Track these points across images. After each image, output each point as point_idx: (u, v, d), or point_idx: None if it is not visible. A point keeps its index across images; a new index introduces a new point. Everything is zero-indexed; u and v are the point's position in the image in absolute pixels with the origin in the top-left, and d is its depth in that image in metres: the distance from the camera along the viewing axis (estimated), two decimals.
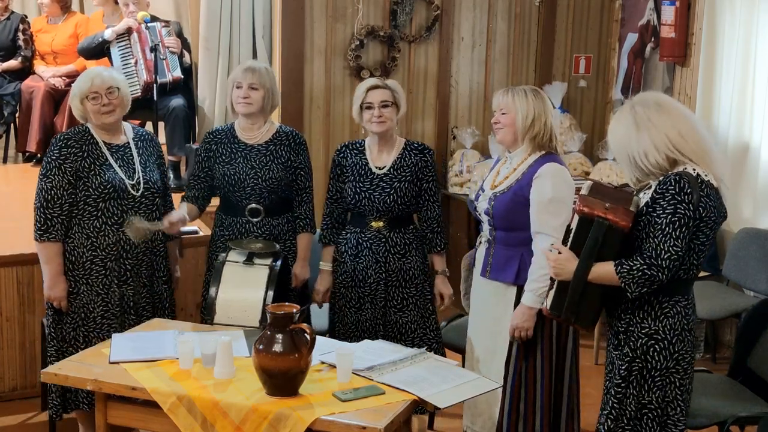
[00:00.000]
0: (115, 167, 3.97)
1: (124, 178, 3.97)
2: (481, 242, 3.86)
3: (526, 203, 3.66)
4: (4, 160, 7.07)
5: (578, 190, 3.31)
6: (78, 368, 3.39)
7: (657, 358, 3.15)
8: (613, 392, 3.21)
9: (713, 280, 5.43)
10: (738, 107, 5.48)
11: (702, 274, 5.46)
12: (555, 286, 3.25)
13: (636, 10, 6.36)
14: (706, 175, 3.08)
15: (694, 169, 3.08)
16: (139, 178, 4.01)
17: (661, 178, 3.10)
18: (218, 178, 4.19)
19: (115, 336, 3.65)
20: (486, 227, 3.81)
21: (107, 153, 3.98)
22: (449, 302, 4.22)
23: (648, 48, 6.23)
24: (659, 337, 3.14)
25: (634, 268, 3.05)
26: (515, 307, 3.70)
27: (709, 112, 5.67)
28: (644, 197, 3.16)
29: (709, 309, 4.99)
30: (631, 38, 6.40)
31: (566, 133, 6.34)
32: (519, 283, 3.70)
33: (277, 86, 4.27)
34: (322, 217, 4.30)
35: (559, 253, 3.20)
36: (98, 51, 6.31)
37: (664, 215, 3.04)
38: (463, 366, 3.94)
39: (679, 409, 3.21)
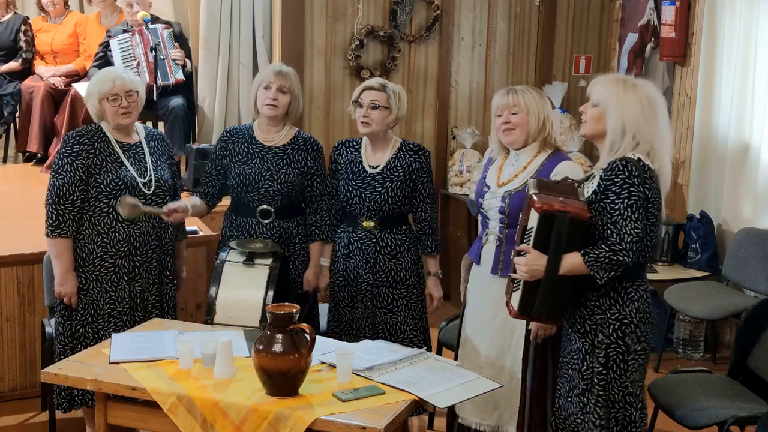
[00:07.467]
0: (127, 165, 3.99)
1: (135, 176, 3.98)
2: (488, 240, 3.86)
3: None
4: (4, 160, 7.06)
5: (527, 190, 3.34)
6: (78, 368, 3.39)
7: (628, 342, 3.23)
8: (596, 380, 3.25)
9: (713, 280, 5.43)
10: (738, 107, 5.48)
11: (702, 274, 5.47)
12: (521, 288, 3.26)
13: (636, 10, 6.35)
14: (646, 160, 3.17)
15: (633, 154, 3.16)
16: (150, 176, 4.02)
17: (605, 166, 3.18)
18: (232, 177, 4.16)
19: (115, 336, 3.65)
20: (495, 225, 3.81)
21: (119, 151, 4.00)
22: (438, 305, 4.24)
23: (648, 48, 6.22)
24: (628, 321, 3.22)
25: (601, 255, 3.12)
26: None
27: (709, 112, 5.67)
28: (589, 187, 3.24)
29: (709, 309, 4.99)
30: (631, 38, 6.40)
31: (566, 133, 6.33)
32: None
33: (301, 94, 4.24)
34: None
35: (522, 254, 3.22)
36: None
37: (620, 200, 3.12)
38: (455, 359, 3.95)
39: (642, 390, 3.31)
